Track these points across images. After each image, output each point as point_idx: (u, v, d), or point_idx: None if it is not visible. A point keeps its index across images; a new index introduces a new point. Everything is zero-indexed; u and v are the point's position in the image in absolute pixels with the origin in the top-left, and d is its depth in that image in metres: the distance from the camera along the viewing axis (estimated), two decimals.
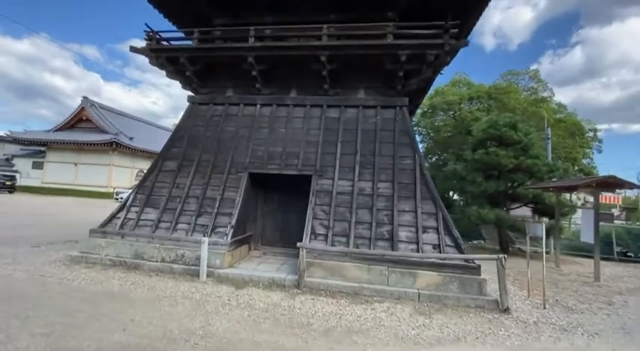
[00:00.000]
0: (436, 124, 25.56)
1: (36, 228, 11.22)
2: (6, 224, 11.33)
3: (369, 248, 6.37)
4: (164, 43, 8.58)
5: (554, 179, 11.81)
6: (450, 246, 6.29)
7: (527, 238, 6.48)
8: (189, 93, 9.24)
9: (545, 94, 24.89)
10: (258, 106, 8.54)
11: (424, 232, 6.50)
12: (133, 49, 8.28)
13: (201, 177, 7.94)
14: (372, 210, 6.86)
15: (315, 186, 7.36)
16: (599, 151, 24.84)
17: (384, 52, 7.41)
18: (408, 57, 7.27)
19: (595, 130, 24.55)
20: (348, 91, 8.31)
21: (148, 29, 8.25)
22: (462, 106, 22.72)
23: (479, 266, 5.94)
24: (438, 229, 6.48)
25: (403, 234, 6.52)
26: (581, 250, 12.59)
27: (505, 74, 25.84)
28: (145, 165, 32.39)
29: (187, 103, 8.95)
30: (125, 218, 7.57)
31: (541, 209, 12.10)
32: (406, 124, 7.74)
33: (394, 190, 7.04)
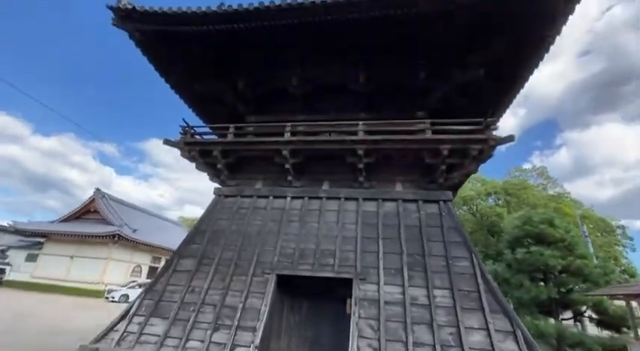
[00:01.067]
0: None
1: (10, 336, 9.41)
2: None
3: None
4: (197, 136, 8.62)
5: (609, 283, 10.42)
6: None
7: None
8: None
9: (557, 190, 24.98)
10: (289, 198, 8.01)
11: None
12: (167, 143, 8.24)
13: (221, 279, 6.85)
14: (432, 326, 5.56)
15: (358, 292, 6.19)
16: (633, 250, 23.17)
17: (424, 146, 7.24)
18: (450, 151, 7.05)
19: (623, 227, 23.50)
20: (385, 183, 7.88)
21: (184, 124, 8.37)
22: (479, 201, 22.45)
23: None
24: None
25: None
26: None
27: (513, 171, 26.56)
28: (144, 259, 30.61)
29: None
30: (125, 331, 6.20)
31: (605, 321, 10.33)
32: (454, 220, 7.03)
33: (454, 299, 5.86)
